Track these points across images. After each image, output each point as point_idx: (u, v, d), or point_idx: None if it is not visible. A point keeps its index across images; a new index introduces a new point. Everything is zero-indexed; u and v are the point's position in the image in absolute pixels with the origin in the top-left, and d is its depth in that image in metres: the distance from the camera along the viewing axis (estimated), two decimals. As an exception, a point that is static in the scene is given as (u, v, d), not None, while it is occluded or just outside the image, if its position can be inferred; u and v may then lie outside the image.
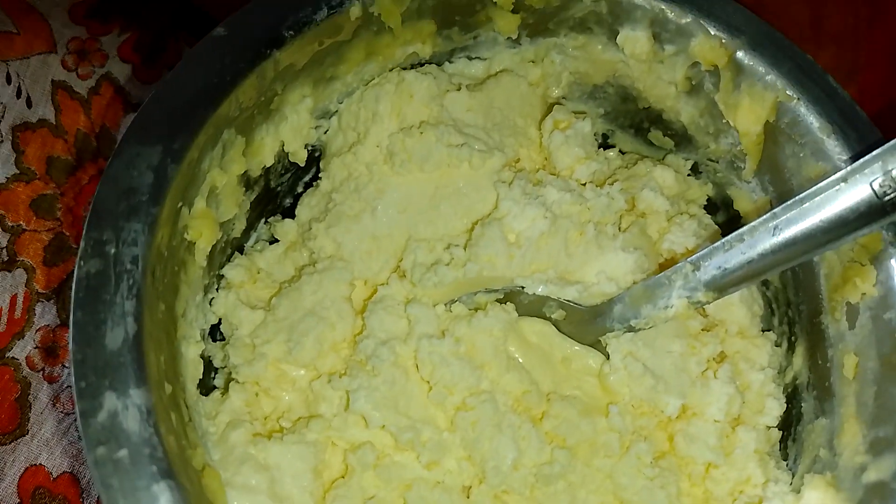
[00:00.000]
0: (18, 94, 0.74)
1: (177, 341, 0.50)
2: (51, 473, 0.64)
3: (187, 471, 0.43)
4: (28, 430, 0.65)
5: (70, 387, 0.67)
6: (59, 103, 0.75)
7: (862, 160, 0.48)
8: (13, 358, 0.67)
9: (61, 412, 0.66)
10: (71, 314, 0.42)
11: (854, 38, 0.78)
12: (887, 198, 0.47)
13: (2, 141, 0.73)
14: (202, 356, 0.54)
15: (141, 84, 0.78)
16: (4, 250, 0.70)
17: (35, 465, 0.64)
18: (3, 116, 0.73)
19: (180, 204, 0.48)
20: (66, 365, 0.67)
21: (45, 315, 0.69)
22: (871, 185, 0.48)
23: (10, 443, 0.65)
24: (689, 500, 0.58)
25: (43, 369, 0.67)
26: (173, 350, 0.49)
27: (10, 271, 0.69)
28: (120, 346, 0.42)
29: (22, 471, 0.64)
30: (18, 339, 0.68)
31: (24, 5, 0.77)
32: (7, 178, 0.72)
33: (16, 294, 0.69)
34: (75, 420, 0.65)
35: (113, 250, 0.44)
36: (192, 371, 0.52)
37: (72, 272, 0.69)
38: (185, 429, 0.47)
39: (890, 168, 0.47)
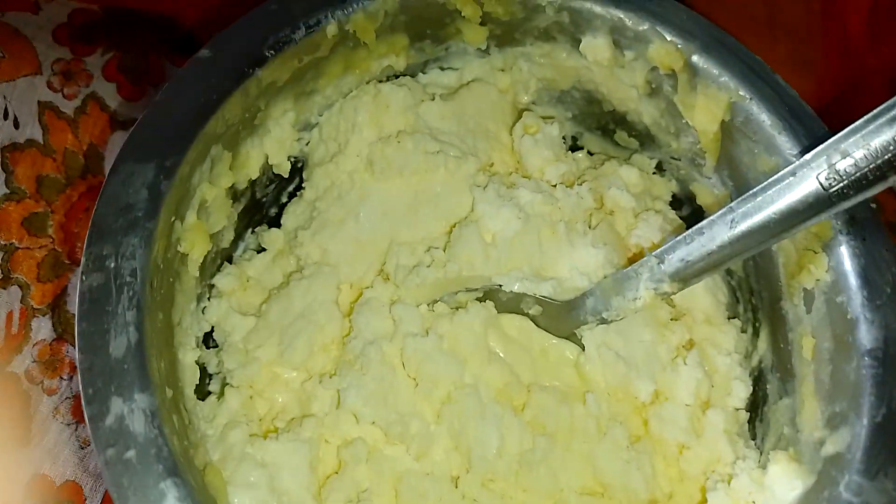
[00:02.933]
0: (6, 116, 0.76)
1: (174, 348, 0.52)
2: (54, 481, 0.66)
3: (191, 469, 0.46)
4: (31, 441, 0.67)
5: (69, 398, 0.69)
6: (47, 123, 0.77)
7: (808, 155, 0.51)
8: (13, 373, 0.69)
9: (62, 423, 0.68)
10: (76, 325, 0.44)
11: (808, 32, 0.80)
12: (832, 189, 0.50)
13: None
14: (198, 363, 0.57)
15: (126, 102, 0.80)
16: None
17: (39, 473, 0.66)
18: None
19: (173, 218, 0.51)
20: (65, 377, 0.69)
21: (41, 330, 0.71)
22: (817, 178, 0.50)
23: (14, 453, 0.66)
24: (665, 480, 0.61)
25: (42, 382, 0.69)
26: (172, 356, 0.51)
27: (5, 288, 0.71)
28: (124, 353, 0.44)
29: (27, 480, 0.66)
30: (17, 355, 0.69)
31: (9, 29, 0.78)
32: None
33: (12, 310, 0.70)
34: (76, 430, 0.68)
35: (113, 264, 0.46)
36: (190, 376, 0.55)
37: (66, 287, 0.72)
38: (186, 430, 0.49)
39: (833, 162, 0.50)
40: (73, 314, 0.71)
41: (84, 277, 0.46)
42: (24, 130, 0.76)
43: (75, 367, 0.68)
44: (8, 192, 0.74)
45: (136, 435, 0.43)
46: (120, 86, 0.80)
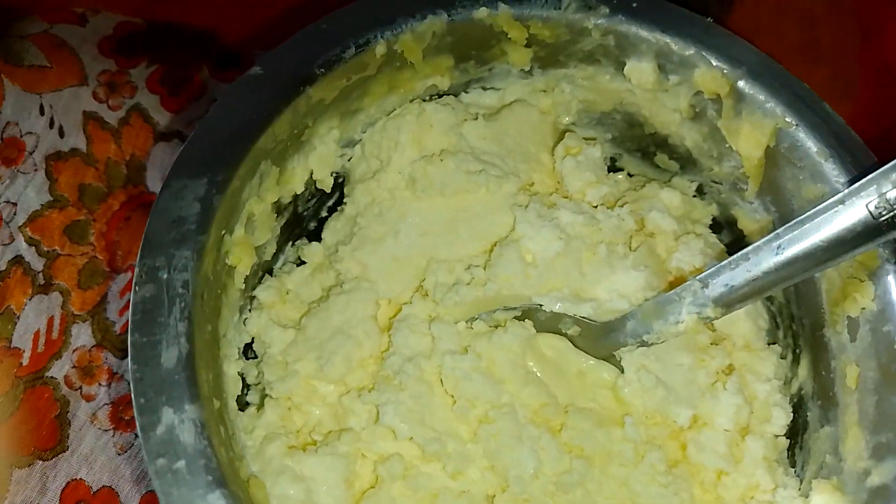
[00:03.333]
0: (51, 125, 0.78)
1: (220, 360, 0.53)
2: (91, 487, 0.67)
3: (237, 481, 0.46)
4: (68, 447, 0.67)
5: (107, 405, 0.69)
6: (90, 133, 0.78)
7: (858, 183, 0.51)
8: (52, 377, 0.70)
9: (99, 429, 0.69)
10: (129, 336, 0.45)
11: (847, 58, 0.81)
12: (882, 218, 0.50)
13: (36, 170, 0.76)
14: (239, 374, 0.58)
15: (168, 114, 0.81)
16: (41, 274, 0.72)
17: (76, 479, 0.67)
18: (36, 146, 0.76)
19: (223, 231, 0.52)
20: (103, 384, 0.70)
21: (80, 336, 0.71)
22: (867, 206, 0.50)
23: (51, 458, 0.67)
24: (702, 506, 0.61)
25: (80, 388, 0.70)
26: (217, 368, 0.52)
27: (46, 294, 0.72)
28: (175, 364, 0.45)
29: (63, 485, 0.66)
30: (56, 360, 0.70)
31: (57, 41, 0.80)
32: (42, 205, 0.75)
33: (52, 316, 0.71)
34: (113, 436, 0.69)
35: (165, 276, 0.47)
36: (233, 388, 0.55)
37: (105, 294, 0.73)
38: (231, 442, 0.50)
39: (884, 191, 0.50)
40: (112, 321, 0.72)
41: (137, 289, 0.46)
42: (67, 140, 0.78)
43: (113, 373, 0.70)
44: (51, 199, 0.75)
45: (186, 446, 0.43)
46: (162, 98, 0.81)
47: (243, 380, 0.61)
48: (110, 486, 0.67)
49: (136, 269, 0.47)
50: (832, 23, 0.83)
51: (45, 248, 0.74)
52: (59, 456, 0.67)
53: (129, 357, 0.44)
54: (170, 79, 0.82)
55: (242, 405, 0.61)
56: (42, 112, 0.78)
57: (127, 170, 0.78)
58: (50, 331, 0.71)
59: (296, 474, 0.55)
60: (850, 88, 0.77)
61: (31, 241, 0.73)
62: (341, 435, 0.59)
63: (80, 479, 0.67)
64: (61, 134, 0.78)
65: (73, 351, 0.71)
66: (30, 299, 0.71)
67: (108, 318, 0.72)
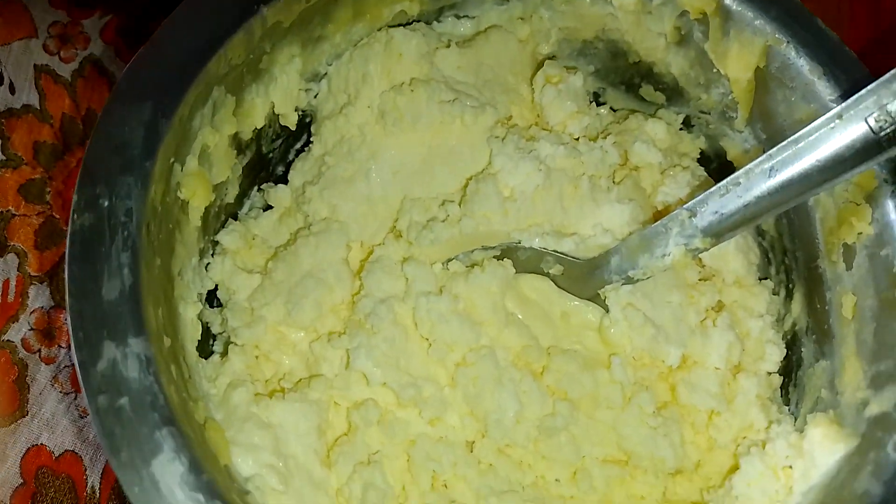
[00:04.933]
0: (1, 81, 0.74)
1: (174, 300, 0.50)
2: (53, 453, 0.64)
3: (190, 422, 0.43)
4: (28, 412, 0.65)
5: (68, 367, 0.66)
6: (44, 88, 0.75)
7: (856, 95, 0.47)
8: (9, 341, 0.67)
9: (60, 392, 0.66)
10: (66, 267, 0.41)
11: None
12: (883, 133, 0.46)
13: None
14: (201, 321, 0.54)
15: (125, 65, 0.76)
16: None
17: (36, 445, 0.64)
18: None
19: (172, 160, 0.48)
20: (63, 346, 0.67)
21: (39, 298, 0.69)
22: (866, 120, 0.47)
23: (10, 424, 0.64)
24: (693, 448, 0.58)
25: (39, 351, 0.67)
26: (171, 308, 0.49)
27: (1, 256, 0.69)
28: (117, 297, 0.42)
29: (24, 452, 0.64)
30: (13, 323, 0.67)
31: None
32: None
33: (8, 279, 0.69)
34: (75, 399, 0.66)
35: (106, 203, 0.43)
36: (191, 332, 0.52)
37: (64, 254, 0.69)
38: (186, 385, 0.46)
39: (885, 102, 0.46)
40: None
41: (75, 217, 0.43)
42: (20, 96, 0.74)
43: None
44: (4, 159, 0.72)
45: (129, 381, 0.40)
46: (118, 49, 0.77)
47: (208, 330, 0.58)
48: (73, 451, 0.65)
49: (75, 198, 0.43)
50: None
51: (0, 209, 0.70)
52: (19, 421, 0.64)
53: (67, 291, 0.41)
54: (125, 29, 0.78)
55: (207, 354, 0.57)
56: None
57: (83, 126, 0.74)
58: (6, 293, 0.68)
59: (262, 421, 0.52)
60: (839, 29, 0.74)
61: None
62: (311, 381, 0.56)
63: (42, 444, 0.64)
64: (12, 90, 0.74)
65: (31, 313, 0.68)
66: None
67: None
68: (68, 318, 0.40)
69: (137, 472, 0.39)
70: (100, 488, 0.64)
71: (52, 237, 0.71)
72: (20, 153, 0.72)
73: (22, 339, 0.67)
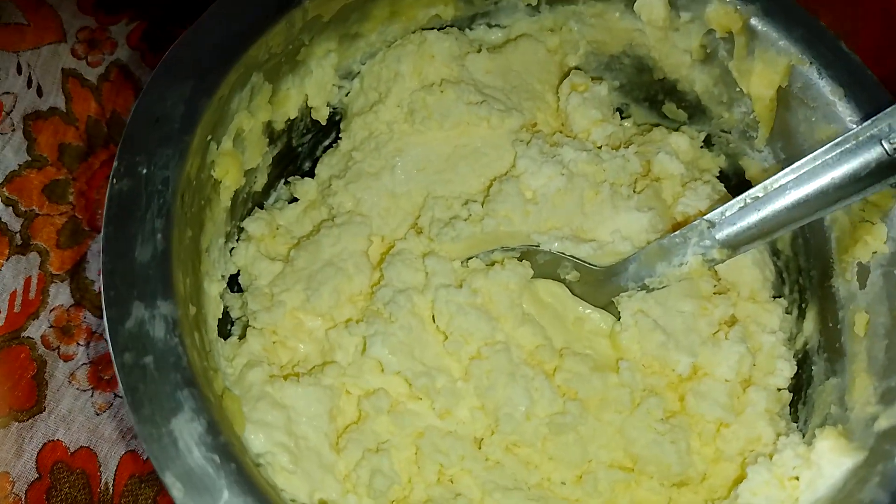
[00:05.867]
0: (29, 84, 0.76)
1: (200, 274, 0.51)
2: (68, 448, 0.65)
3: (210, 388, 0.44)
4: (45, 407, 0.66)
5: (86, 364, 0.68)
6: (70, 91, 0.77)
7: (873, 118, 0.49)
8: (28, 337, 0.68)
9: (77, 389, 0.67)
10: (103, 228, 0.43)
11: (848, 2, 0.79)
12: (898, 155, 0.48)
13: (14, 129, 0.74)
14: (221, 300, 0.55)
15: (150, 70, 0.79)
16: (18, 234, 0.71)
17: (53, 440, 0.65)
18: (14, 106, 0.75)
19: (209, 137, 0.50)
20: (81, 343, 0.68)
21: (59, 296, 0.70)
22: (881, 142, 0.49)
23: (27, 419, 0.65)
24: (700, 458, 0.58)
25: (58, 348, 0.68)
26: (197, 281, 0.50)
27: (24, 255, 0.70)
28: (149, 259, 0.43)
29: (40, 446, 0.65)
30: (33, 320, 0.69)
31: None
32: (20, 165, 0.73)
33: (30, 276, 0.70)
34: (91, 396, 0.67)
35: (145, 171, 0.45)
36: (213, 308, 0.53)
37: (85, 254, 0.71)
38: (207, 355, 0.47)
39: (900, 126, 0.48)
40: (92, 280, 0.70)
41: (114, 181, 0.44)
42: (46, 98, 0.76)
43: (92, 333, 0.68)
44: (29, 159, 0.74)
45: (155, 341, 0.41)
46: (144, 54, 0.79)
47: (228, 316, 0.59)
48: (89, 447, 0.65)
49: (115, 164, 0.45)
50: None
51: (24, 208, 0.72)
52: (36, 417, 0.65)
53: (102, 249, 0.42)
54: (151, 35, 0.80)
55: (226, 336, 0.59)
56: (20, 71, 0.77)
57: (108, 128, 0.76)
58: (27, 291, 0.70)
59: (276, 401, 0.53)
60: (851, 31, 0.75)
61: (8, 202, 0.72)
62: (325, 368, 0.57)
63: (58, 439, 0.65)
64: (39, 93, 0.76)
65: (51, 311, 0.69)
66: (7, 260, 0.70)
67: (88, 277, 0.71)
68: (101, 277, 0.42)
69: (157, 428, 0.40)
70: (113, 484, 0.64)
71: (74, 236, 0.72)
72: (45, 154, 0.74)
73: (42, 336, 0.68)
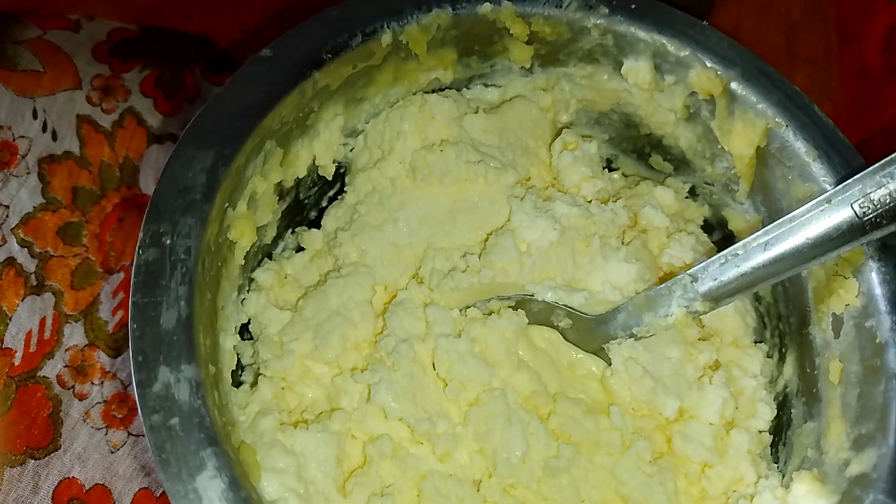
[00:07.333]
0: (44, 129, 0.78)
1: (217, 331, 0.54)
2: (83, 485, 0.67)
3: (229, 444, 0.47)
4: (60, 445, 0.68)
5: (100, 403, 0.70)
6: (84, 136, 0.79)
7: (844, 184, 0.52)
8: (44, 376, 0.70)
9: (92, 427, 0.69)
10: (131, 296, 0.46)
11: (825, 61, 0.83)
12: (867, 217, 0.52)
13: (29, 172, 0.76)
14: (235, 350, 0.59)
15: (162, 116, 0.82)
16: (33, 275, 0.73)
17: (68, 477, 0.67)
18: (29, 149, 0.77)
19: (227, 204, 0.53)
20: (95, 382, 0.70)
21: (73, 336, 0.72)
22: (851, 206, 0.52)
23: (43, 457, 0.67)
24: (686, 498, 0.62)
25: (73, 387, 0.70)
26: (214, 338, 0.53)
27: (39, 295, 0.72)
28: (174, 325, 0.46)
29: (56, 483, 0.66)
30: (49, 359, 0.70)
31: (51, 46, 0.81)
32: (35, 207, 0.75)
33: (45, 316, 0.72)
34: (106, 434, 0.69)
35: (169, 241, 0.48)
36: (228, 361, 0.56)
37: (98, 294, 0.74)
38: (224, 408, 0.51)
39: (868, 191, 0.51)
40: (105, 321, 0.73)
41: (140, 252, 0.48)
42: (61, 143, 0.78)
43: (106, 372, 0.71)
44: (44, 201, 0.76)
45: (181, 403, 0.44)
46: (156, 101, 0.82)
47: (239, 362, 0.63)
48: (103, 484, 0.67)
49: (141, 234, 0.48)
50: (811, 26, 0.85)
51: (38, 250, 0.74)
52: (52, 454, 0.67)
53: (130, 316, 0.46)
54: (164, 82, 0.83)
55: (237, 384, 0.62)
56: (35, 116, 0.78)
57: (120, 172, 0.79)
58: (42, 331, 0.72)
59: (287, 448, 0.56)
60: (827, 90, 0.79)
61: (23, 243, 0.74)
62: (332, 414, 0.60)
63: (73, 477, 0.67)
64: (54, 137, 0.78)
65: (66, 350, 0.71)
66: (22, 300, 0.72)
67: (101, 317, 0.73)
68: (130, 342, 0.45)
69: (184, 486, 0.43)
70: (127, 521, 0.66)
71: (88, 277, 0.74)
72: (60, 196, 0.76)
73: (57, 376, 0.70)
